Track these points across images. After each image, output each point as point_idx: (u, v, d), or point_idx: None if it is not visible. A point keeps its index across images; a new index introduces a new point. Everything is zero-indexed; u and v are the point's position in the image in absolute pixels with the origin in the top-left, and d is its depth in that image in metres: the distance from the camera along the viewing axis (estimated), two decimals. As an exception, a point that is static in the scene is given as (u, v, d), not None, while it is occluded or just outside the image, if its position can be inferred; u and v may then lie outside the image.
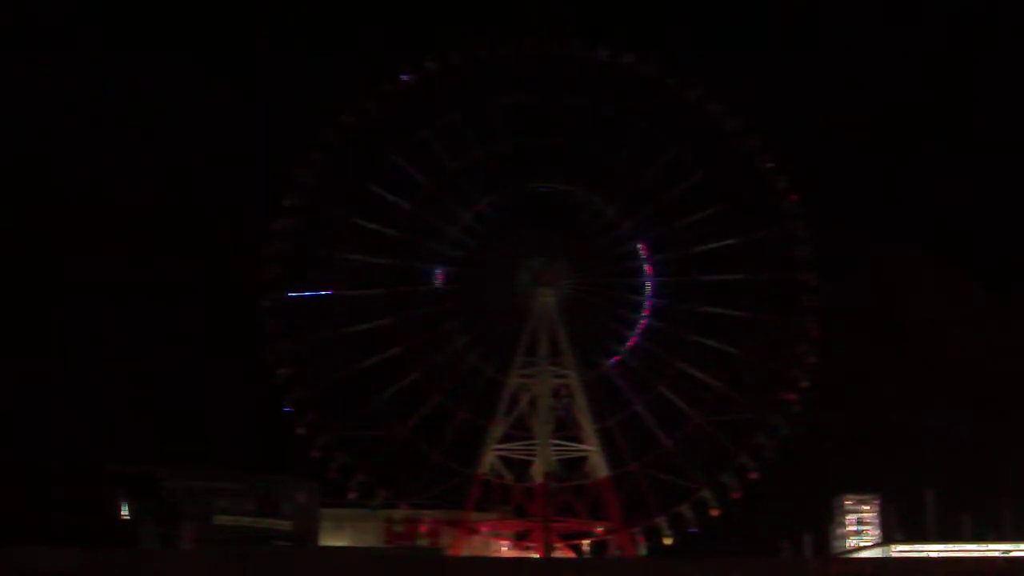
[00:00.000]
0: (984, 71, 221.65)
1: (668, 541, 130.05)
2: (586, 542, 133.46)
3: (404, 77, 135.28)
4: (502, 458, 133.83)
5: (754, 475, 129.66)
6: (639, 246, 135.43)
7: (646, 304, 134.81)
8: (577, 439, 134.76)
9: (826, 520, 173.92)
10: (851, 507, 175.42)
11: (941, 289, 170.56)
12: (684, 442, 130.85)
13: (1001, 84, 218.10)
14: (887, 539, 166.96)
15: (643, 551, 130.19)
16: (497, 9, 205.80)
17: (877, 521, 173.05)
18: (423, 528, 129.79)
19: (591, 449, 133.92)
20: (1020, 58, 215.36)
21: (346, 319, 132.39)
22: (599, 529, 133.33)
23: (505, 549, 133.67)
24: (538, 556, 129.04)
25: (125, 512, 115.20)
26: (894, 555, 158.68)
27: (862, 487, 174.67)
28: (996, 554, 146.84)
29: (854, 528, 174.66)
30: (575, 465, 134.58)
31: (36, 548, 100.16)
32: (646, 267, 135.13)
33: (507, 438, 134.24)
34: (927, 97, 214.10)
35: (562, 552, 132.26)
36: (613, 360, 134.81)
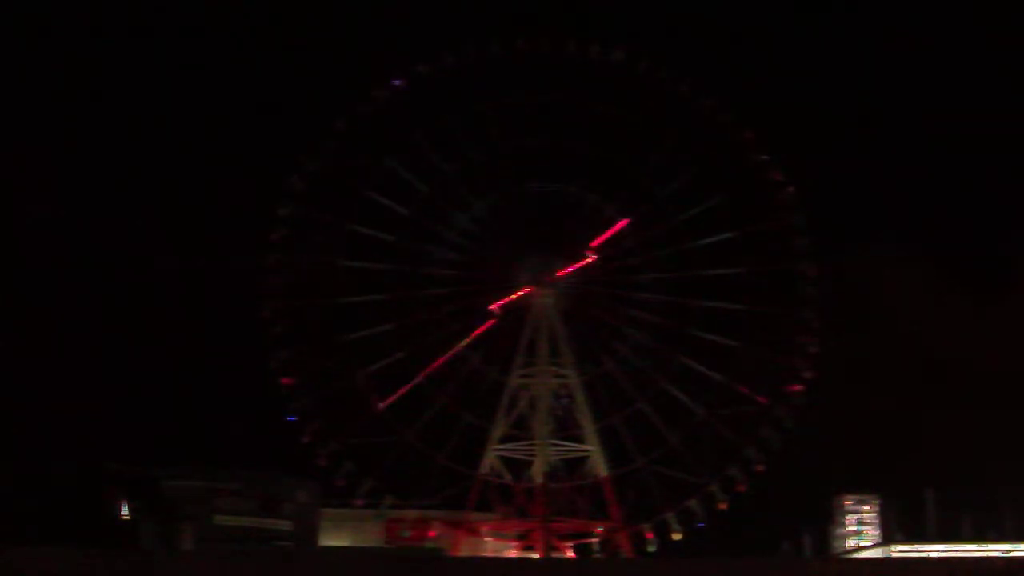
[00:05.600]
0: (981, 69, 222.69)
1: (677, 536, 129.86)
2: (595, 541, 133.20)
3: (396, 82, 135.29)
4: (502, 458, 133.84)
5: (760, 468, 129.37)
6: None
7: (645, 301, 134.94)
8: (577, 439, 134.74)
9: (826, 520, 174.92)
10: (851, 507, 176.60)
11: (939, 287, 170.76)
12: (689, 437, 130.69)
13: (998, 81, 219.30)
14: (887, 539, 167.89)
15: (652, 547, 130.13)
16: (488, 10, 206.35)
17: (877, 521, 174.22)
18: (431, 533, 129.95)
19: (591, 449, 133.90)
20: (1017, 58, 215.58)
21: (347, 326, 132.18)
22: (599, 529, 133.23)
23: (513, 551, 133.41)
24: (538, 556, 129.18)
25: (125, 512, 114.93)
26: (894, 555, 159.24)
27: (862, 487, 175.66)
28: (996, 554, 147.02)
29: (854, 528, 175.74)
30: (575, 465, 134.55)
31: (36, 548, 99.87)
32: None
33: (507, 438, 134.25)
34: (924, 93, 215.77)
35: (563, 552, 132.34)
36: (614, 358, 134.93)
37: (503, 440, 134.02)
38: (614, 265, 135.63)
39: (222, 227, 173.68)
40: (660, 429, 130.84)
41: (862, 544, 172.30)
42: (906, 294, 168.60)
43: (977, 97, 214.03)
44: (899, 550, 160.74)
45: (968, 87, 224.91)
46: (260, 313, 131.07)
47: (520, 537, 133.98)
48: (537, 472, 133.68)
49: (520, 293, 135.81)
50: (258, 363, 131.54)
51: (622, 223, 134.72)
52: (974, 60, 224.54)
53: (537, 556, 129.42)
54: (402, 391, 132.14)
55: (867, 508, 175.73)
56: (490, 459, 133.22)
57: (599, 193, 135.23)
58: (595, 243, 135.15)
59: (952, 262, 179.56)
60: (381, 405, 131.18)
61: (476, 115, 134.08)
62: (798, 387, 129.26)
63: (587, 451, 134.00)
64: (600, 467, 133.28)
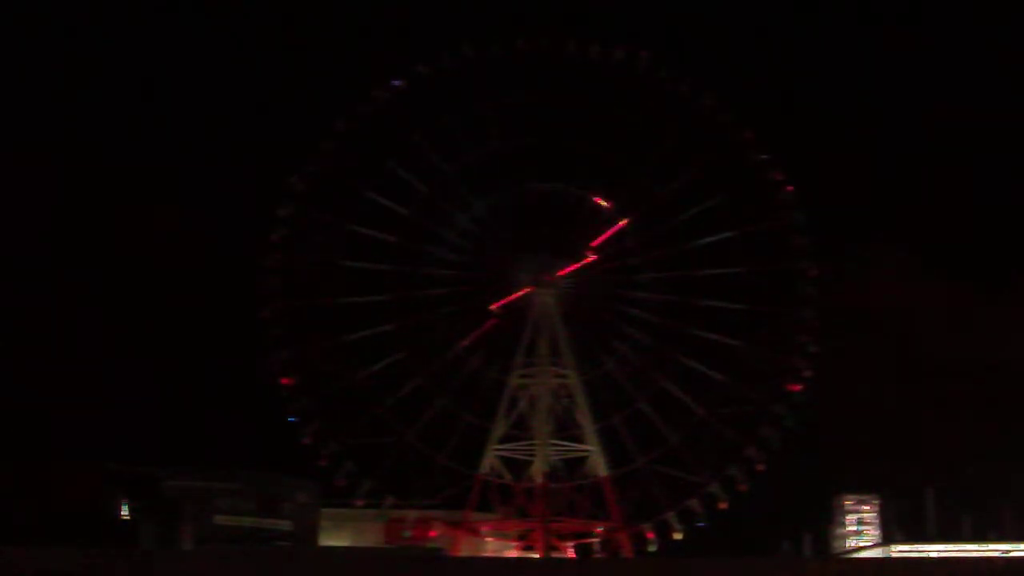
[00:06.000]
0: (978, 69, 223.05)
1: (678, 536, 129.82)
2: (596, 541, 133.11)
3: (396, 82, 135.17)
4: (502, 458, 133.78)
5: (761, 467, 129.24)
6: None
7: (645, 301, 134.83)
8: (577, 439, 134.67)
9: (826, 520, 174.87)
10: (851, 507, 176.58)
11: (939, 287, 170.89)
12: (689, 437, 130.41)
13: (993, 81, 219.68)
14: (887, 539, 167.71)
15: (653, 547, 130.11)
16: (487, 10, 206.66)
17: (877, 521, 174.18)
18: (432, 533, 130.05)
19: (591, 449, 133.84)
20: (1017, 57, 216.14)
21: (347, 326, 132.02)
22: (599, 529, 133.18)
23: (513, 551, 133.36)
24: (538, 556, 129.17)
25: (125, 512, 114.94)
26: (894, 555, 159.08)
27: (862, 487, 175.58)
28: (996, 554, 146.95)
29: (854, 528, 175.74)
30: (575, 465, 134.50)
31: (36, 548, 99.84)
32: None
33: (507, 438, 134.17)
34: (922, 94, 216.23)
35: (563, 552, 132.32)
36: (614, 358, 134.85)
37: (503, 440, 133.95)
38: (614, 265, 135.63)
39: (222, 227, 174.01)
40: (660, 429, 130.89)
41: (862, 544, 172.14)
42: (906, 294, 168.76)
43: (977, 97, 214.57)
44: (899, 550, 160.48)
45: (968, 87, 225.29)
46: (260, 313, 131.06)
47: (520, 537, 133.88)
48: (537, 472, 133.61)
49: (521, 293, 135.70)
50: (258, 363, 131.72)
51: (622, 223, 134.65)
52: (974, 60, 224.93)
53: (537, 556, 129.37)
54: (402, 392, 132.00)
55: (867, 508, 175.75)
56: (490, 459, 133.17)
57: (599, 193, 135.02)
58: (595, 243, 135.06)
59: (952, 262, 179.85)
60: (381, 406, 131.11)
61: (476, 115, 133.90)
62: (798, 386, 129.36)
63: (587, 451, 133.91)
64: (600, 467, 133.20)
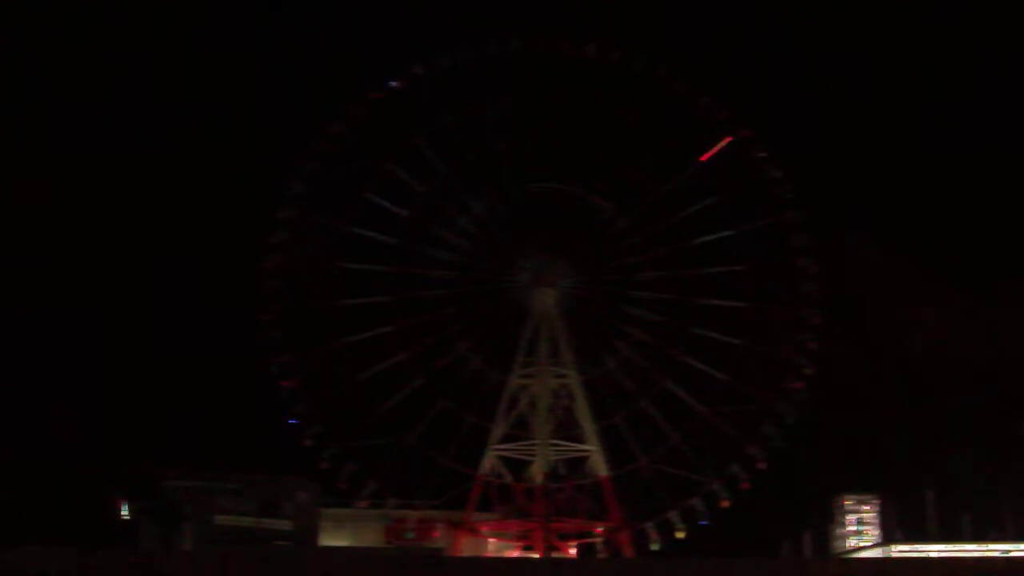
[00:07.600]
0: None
1: (681, 535, 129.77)
2: (598, 540, 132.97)
3: (393, 83, 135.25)
4: (503, 458, 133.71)
5: (762, 465, 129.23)
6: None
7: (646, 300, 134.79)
8: (577, 439, 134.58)
9: (826, 520, 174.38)
10: (851, 507, 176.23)
11: (940, 286, 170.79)
12: (691, 435, 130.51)
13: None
14: (887, 539, 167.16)
15: (656, 546, 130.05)
16: (485, 11, 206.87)
17: (877, 521, 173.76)
18: (435, 533, 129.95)
19: (591, 449, 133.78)
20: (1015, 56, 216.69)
21: (348, 328, 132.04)
22: (599, 529, 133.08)
23: (515, 551, 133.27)
24: (538, 556, 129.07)
25: (125, 512, 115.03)
26: (894, 555, 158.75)
27: (862, 487, 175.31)
28: (996, 554, 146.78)
29: (854, 528, 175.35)
30: (575, 465, 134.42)
31: (36, 548, 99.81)
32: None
33: (508, 438, 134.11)
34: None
35: (564, 552, 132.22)
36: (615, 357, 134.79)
37: (503, 440, 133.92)
38: (614, 264, 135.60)
39: (222, 228, 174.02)
40: (662, 427, 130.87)
41: (862, 544, 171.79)
42: (907, 292, 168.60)
43: (977, 96, 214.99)
44: (899, 550, 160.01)
45: (968, 86, 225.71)
46: (260, 316, 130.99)
47: (521, 537, 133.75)
48: (537, 472, 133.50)
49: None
50: (259, 365, 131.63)
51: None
52: (972, 59, 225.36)
53: (537, 556, 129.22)
54: (403, 393, 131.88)
55: (867, 508, 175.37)
56: (490, 459, 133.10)
57: (598, 192, 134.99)
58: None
59: (953, 261, 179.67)
60: (383, 408, 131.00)
61: (474, 116, 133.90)
62: (799, 384, 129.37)
63: (587, 451, 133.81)
64: (601, 467, 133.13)
